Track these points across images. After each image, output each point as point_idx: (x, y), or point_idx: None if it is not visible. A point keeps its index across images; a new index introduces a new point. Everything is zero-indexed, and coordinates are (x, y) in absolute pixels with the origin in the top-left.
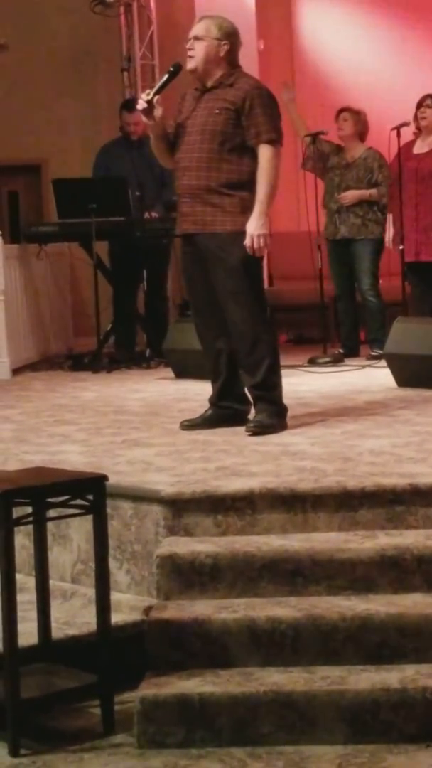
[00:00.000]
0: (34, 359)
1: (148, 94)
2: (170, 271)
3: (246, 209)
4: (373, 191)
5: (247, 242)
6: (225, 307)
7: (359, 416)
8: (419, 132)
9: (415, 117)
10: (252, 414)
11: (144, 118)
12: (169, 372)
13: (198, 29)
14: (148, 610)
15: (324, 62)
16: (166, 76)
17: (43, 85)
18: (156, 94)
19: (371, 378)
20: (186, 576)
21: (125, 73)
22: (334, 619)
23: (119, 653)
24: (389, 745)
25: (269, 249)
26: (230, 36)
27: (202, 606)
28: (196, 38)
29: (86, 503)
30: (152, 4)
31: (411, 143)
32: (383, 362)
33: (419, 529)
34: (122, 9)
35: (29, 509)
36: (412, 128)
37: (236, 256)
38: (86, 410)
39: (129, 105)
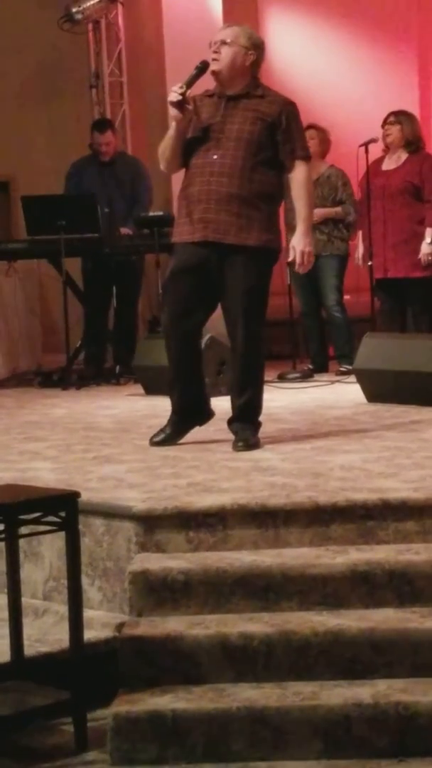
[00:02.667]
0: (2, 376)
1: (181, 87)
2: (141, 288)
3: (271, 225)
4: (338, 209)
5: (296, 259)
6: (232, 323)
7: (329, 432)
8: (387, 149)
9: (383, 134)
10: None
11: (174, 111)
12: (138, 388)
13: (226, 34)
14: (120, 626)
15: (290, 79)
16: (195, 72)
17: (11, 101)
18: (188, 87)
19: (341, 393)
20: (158, 592)
21: (93, 90)
22: (306, 634)
23: (92, 670)
24: (362, 760)
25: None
26: (257, 48)
27: (174, 622)
28: (224, 43)
29: (58, 520)
30: (120, 21)
31: (380, 160)
32: (353, 377)
33: (390, 543)
34: (90, 26)
35: (1, 526)
36: (381, 145)
37: (257, 273)
38: (56, 427)
39: (99, 125)
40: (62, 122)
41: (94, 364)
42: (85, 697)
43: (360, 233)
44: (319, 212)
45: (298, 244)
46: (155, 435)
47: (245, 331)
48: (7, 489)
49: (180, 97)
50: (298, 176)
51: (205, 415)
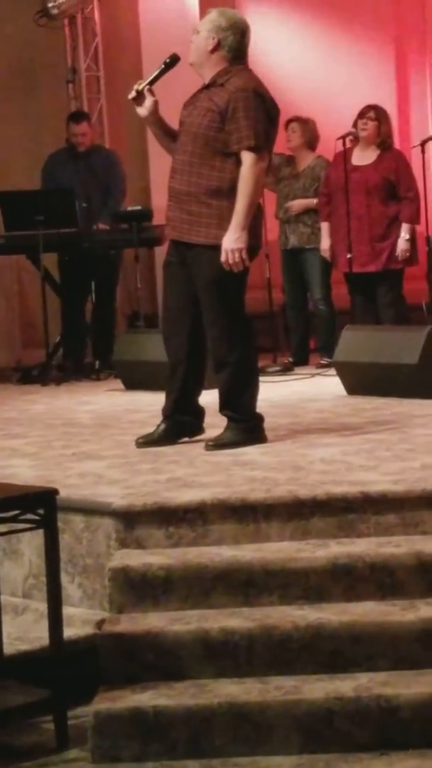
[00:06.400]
0: None
1: (139, 84)
2: (119, 283)
3: (223, 220)
4: (316, 200)
5: (222, 257)
6: (203, 319)
7: (310, 425)
8: (356, 141)
9: (355, 125)
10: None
11: (138, 109)
12: (118, 383)
13: (199, 23)
14: (100, 623)
15: (270, 71)
16: (161, 67)
17: None
18: (148, 84)
19: (321, 386)
20: (138, 589)
21: (70, 85)
22: (287, 628)
23: (72, 668)
24: (344, 754)
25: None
26: (221, 30)
27: (155, 618)
28: (196, 32)
29: (37, 517)
30: (96, 16)
31: (349, 152)
32: (333, 371)
33: (371, 536)
34: (66, 21)
35: None
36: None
37: (209, 270)
38: (35, 423)
39: (75, 116)
40: (39, 117)
41: (74, 359)
42: (66, 695)
43: (326, 225)
44: (299, 203)
45: (225, 241)
46: (142, 437)
47: (210, 328)
48: None
49: (135, 94)
50: (242, 167)
51: (194, 431)
